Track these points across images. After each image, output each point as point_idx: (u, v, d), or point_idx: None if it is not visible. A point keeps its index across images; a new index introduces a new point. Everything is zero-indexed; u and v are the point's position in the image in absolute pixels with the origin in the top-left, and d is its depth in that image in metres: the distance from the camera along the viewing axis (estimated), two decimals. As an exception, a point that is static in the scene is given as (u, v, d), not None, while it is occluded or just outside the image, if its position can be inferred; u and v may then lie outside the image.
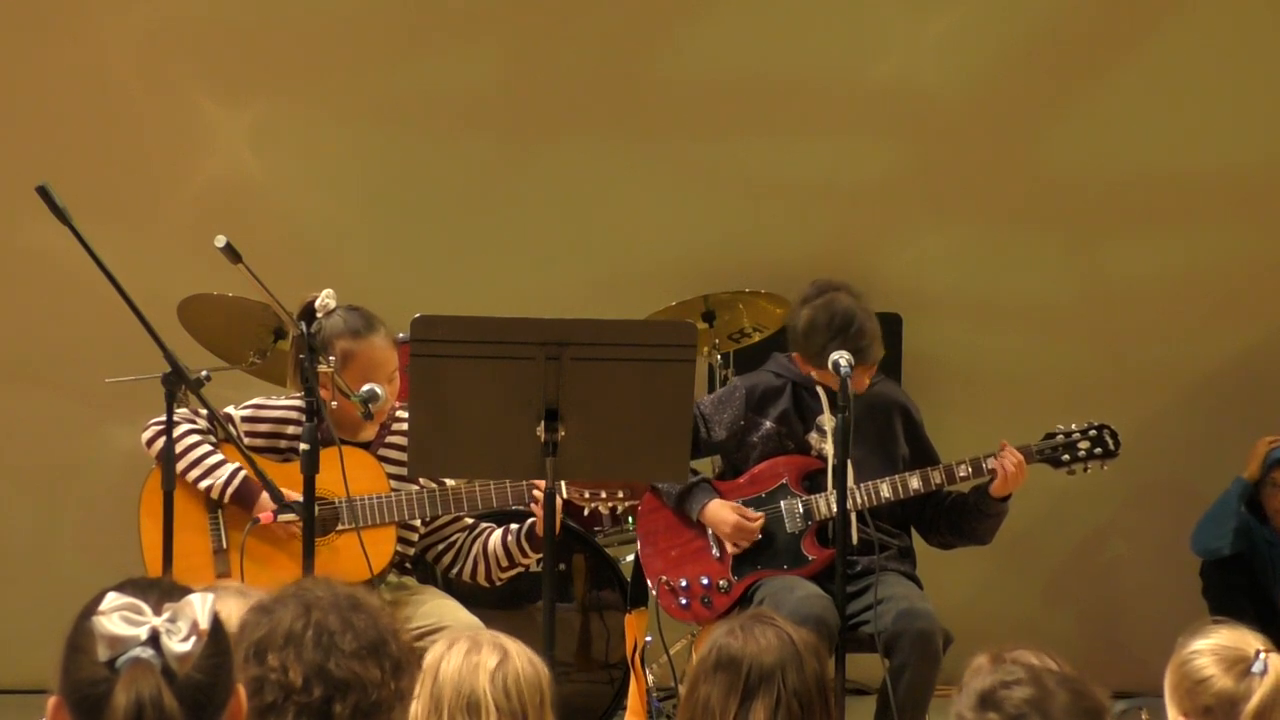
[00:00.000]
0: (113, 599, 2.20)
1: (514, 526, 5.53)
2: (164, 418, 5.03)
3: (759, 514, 5.85)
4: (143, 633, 2.18)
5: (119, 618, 2.18)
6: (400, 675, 2.67)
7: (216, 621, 2.24)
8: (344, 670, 2.62)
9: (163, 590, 2.24)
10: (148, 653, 2.17)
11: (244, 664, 2.65)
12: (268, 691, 2.62)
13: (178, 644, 2.18)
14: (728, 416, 5.90)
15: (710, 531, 5.87)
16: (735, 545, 5.84)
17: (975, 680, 2.78)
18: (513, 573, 5.59)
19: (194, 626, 2.19)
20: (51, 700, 2.23)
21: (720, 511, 5.84)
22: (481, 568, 5.56)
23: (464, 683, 3.39)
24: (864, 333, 5.71)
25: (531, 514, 5.42)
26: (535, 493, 5.35)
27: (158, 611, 2.20)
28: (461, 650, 3.43)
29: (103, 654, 2.17)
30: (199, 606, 2.21)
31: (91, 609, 2.21)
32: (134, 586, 2.24)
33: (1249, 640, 3.37)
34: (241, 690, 2.28)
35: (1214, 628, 3.41)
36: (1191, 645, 3.39)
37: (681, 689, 4.07)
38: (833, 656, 5.43)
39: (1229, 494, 7.44)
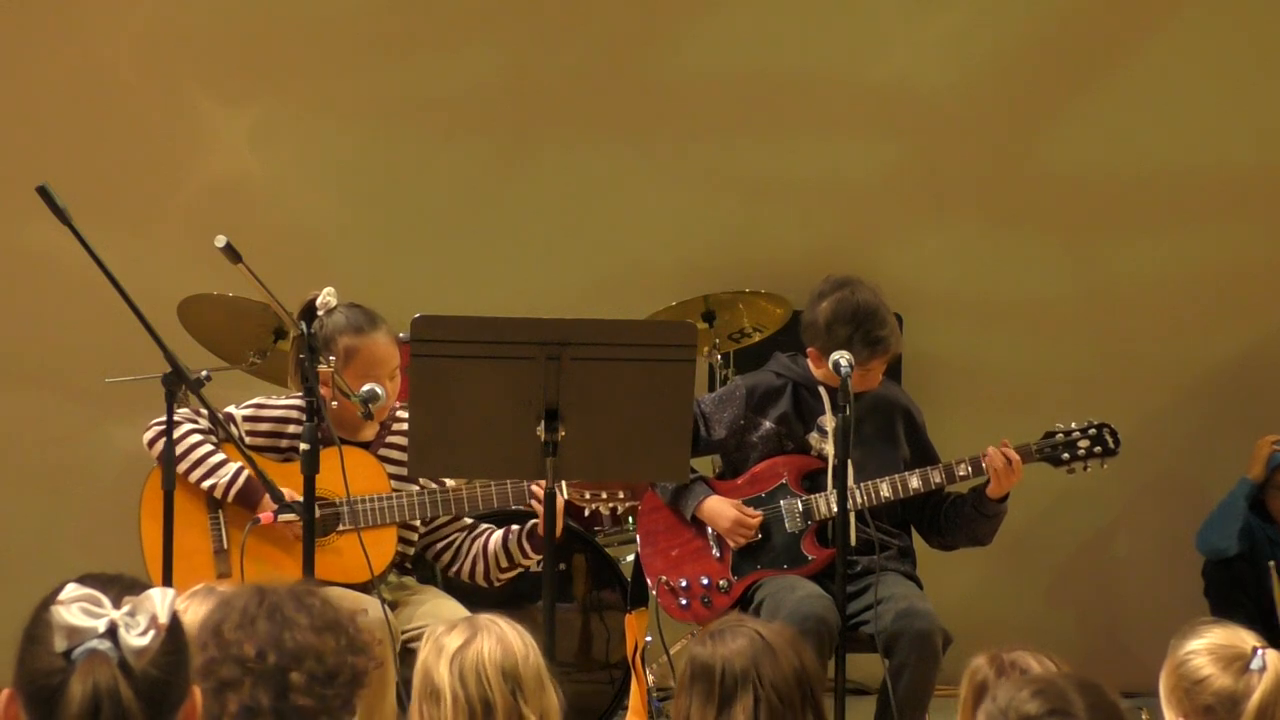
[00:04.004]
0: (72, 590, 2.18)
1: (515, 528, 5.52)
2: (165, 418, 5.03)
3: (757, 512, 5.85)
4: (101, 625, 2.17)
5: (78, 609, 2.17)
6: (358, 653, 2.66)
7: (175, 620, 2.23)
8: (297, 642, 2.62)
9: (124, 585, 2.23)
10: (104, 645, 2.16)
11: (202, 648, 2.65)
12: (225, 667, 2.62)
13: (135, 638, 2.17)
14: (728, 416, 5.90)
15: (710, 531, 5.87)
16: (734, 540, 5.84)
17: (1024, 704, 2.77)
18: (513, 573, 5.59)
19: (153, 621, 2.18)
20: (4, 693, 2.22)
21: (719, 506, 5.84)
22: (480, 567, 5.55)
23: (428, 670, 3.35)
24: (885, 323, 5.73)
25: (532, 514, 5.43)
26: (535, 489, 5.35)
27: (117, 605, 2.18)
28: (433, 635, 3.40)
29: (59, 644, 2.16)
30: (159, 601, 2.20)
31: (50, 600, 2.19)
32: (95, 580, 2.23)
33: (1243, 637, 3.36)
34: (197, 692, 2.26)
35: (1205, 627, 3.40)
36: (1186, 646, 3.38)
37: (670, 705, 4.08)
38: (833, 656, 5.43)
39: (1234, 494, 7.44)
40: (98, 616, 2.17)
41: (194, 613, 3.27)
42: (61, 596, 2.17)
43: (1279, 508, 7.46)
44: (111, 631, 2.17)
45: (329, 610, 2.69)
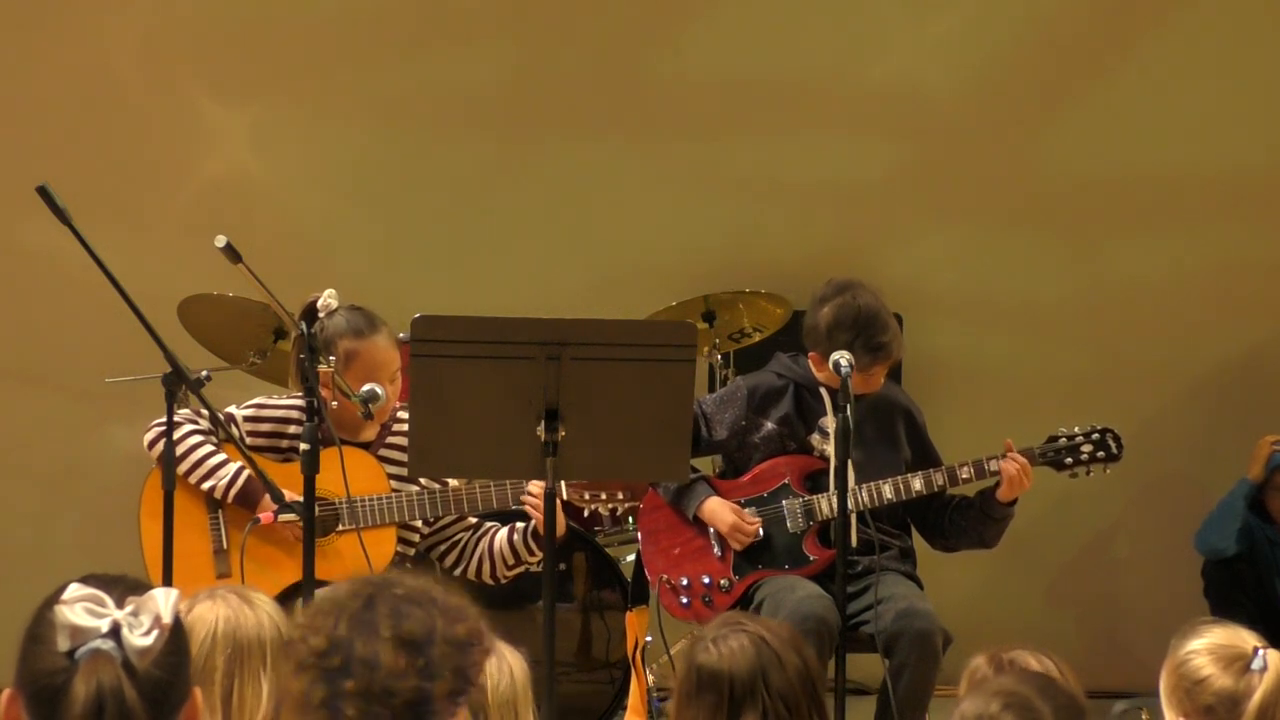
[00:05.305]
0: (75, 590, 2.18)
1: (519, 525, 5.53)
2: (165, 419, 5.02)
3: (756, 518, 5.85)
4: (104, 625, 2.16)
5: (81, 608, 2.16)
6: (432, 678, 2.63)
7: (178, 621, 2.22)
8: (366, 650, 2.61)
9: (127, 585, 2.22)
10: (108, 645, 2.16)
11: (299, 623, 2.65)
12: (299, 649, 2.62)
13: (139, 638, 2.16)
14: (729, 416, 5.90)
15: (712, 531, 5.87)
16: (733, 544, 5.85)
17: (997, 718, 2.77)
18: (518, 570, 5.59)
19: (156, 621, 2.18)
20: (5, 693, 2.21)
21: (718, 510, 5.84)
22: (487, 566, 5.56)
23: None
24: (887, 328, 5.72)
25: (535, 514, 5.44)
26: (525, 495, 5.36)
27: (120, 605, 2.18)
28: None
29: (63, 644, 2.16)
30: (162, 602, 2.19)
31: (53, 601, 2.19)
32: (98, 580, 2.22)
33: (1244, 638, 3.36)
34: (198, 693, 2.25)
35: (1207, 627, 3.40)
36: (1187, 646, 3.38)
37: (669, 706, 4.02)
38: (833, 656, 5.43)
39: (1234, 494, 7.44)
40: (101, 616, 2.16)
41: (199, 614, 3.27)
42: (65, 596, 2.17)
43: (1278, 508, 7.46)
44: (115, 631, 2.16)
45: (422, 626, 2.64)
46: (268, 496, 5.17)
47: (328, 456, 4.88)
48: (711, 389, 6.90)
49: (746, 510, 5.86)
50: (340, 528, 5.35)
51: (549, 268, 7.86)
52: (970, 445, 5.90)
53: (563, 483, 5.29)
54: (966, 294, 8.05)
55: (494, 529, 5.58)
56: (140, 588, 2.22)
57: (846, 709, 5.31)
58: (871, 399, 5.82)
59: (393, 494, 5.40)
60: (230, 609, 3.32)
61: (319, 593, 2.72)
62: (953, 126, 7.97)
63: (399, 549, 5.46)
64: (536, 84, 7.90)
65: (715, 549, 5.88)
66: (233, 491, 5.33)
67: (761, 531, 5.85)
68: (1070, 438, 5.95)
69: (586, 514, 5.91)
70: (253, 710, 3.26)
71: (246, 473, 5.31)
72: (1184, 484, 8.00)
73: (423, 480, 5.41)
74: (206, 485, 5.34)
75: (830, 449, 5.79)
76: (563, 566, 6.59)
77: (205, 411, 5.25)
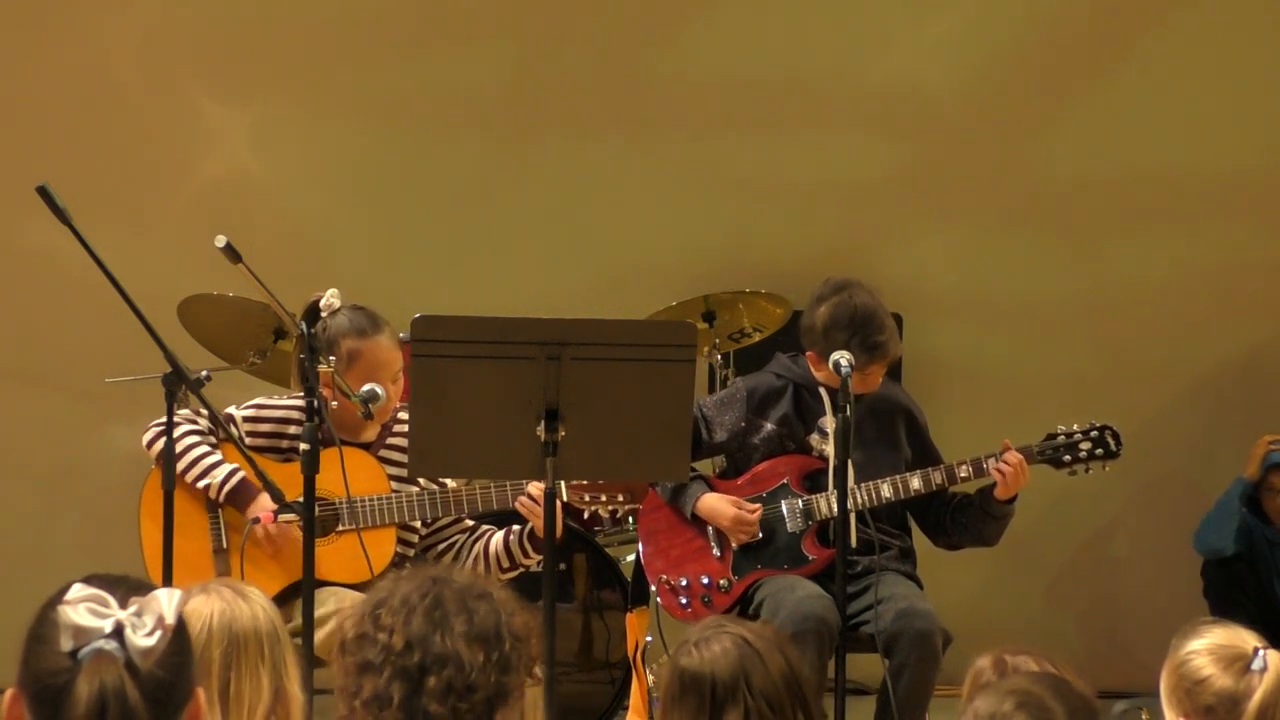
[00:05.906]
0: (79, 590, 2.18)
1: (515, 528, 5.53)
2: (164, 419, 5.02)
3: (756, 505, 5.84)
4: (107, 625, 2.16)
5: (84, 609, 2.16)
6: (506, 672, 2.64)
7: (181, 621, 2.22)
8: (446, 647, 2.60)
9: (130, 585, 2.22)
10: (111, 645, 2.15)
11: (359, 620, 2.65)
12: (369, 649, 2.61)
13: (142, 638, 2.16)
14: (729, 419, 5.90)
15: (711, 531, 5.87)
16: (736, 538, 5.83)
17: (1010, 717, 2.77)
18: (514, 574, 5.59)
19: (159, 621, 2.18)
20: (8, 694, 2.21)
21: (717, 504, 5.83)
22: (482, 568, 5.55)
23: None
24: (884, 328, 5.71)
25: (532, 514, 5.43)
26: (523, 497, 5.36)
27: (124, 605, 2.18)
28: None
29: (65, 644, 2.15)
30: (165, 602, 2.20)
31: (56, 601, 2.18)
32: (101, 580, 2.22)
33: (1245, 638, 3.36)
34: (201, 693, 2.26)
35: (1207, 627, 3.40)
36: (1187, 646, 3.38)
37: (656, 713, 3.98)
38: (833, 656, 5.43)
39: (1230, 494, 7.45)
40: (104, 617, 2.16)
41: (194, 608, 3.26)
42: (68, 597, 2.17)
43: (1274, 508, 7.47)
44: (118, 632, 2.16)
45: (490, 620, 2.65)
46: (263, 496, 5.18)
47: (328, 457, 4.88)
48: (711, 389, 6.90)
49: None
50: (340, 528, 5.35)
51: (549, 268, 7.86)
52: (970, 445, 5.90)
53: (563, 484, 5.29)
54: (966, 294, 8.05)
55: (490, 532, 5.58)
56: (143, 588, 2.22)
57: (846, 709, 5.31)
58: (871, 399, 5.82)
59: (393, 494, 5.40)
60: (225, 602, 3.32)
61: (375, 588, 2.71)
62: (953, 126, 7.98)
63: (399, 549, 5.46)
64: (536, 84, 7.90)
65: (714, 549, 5.88)
66: (225, 490, 5.33)
67: (761, 532, 5.85)
68: (1069, 435, 5.94)
69: (586, 515, 5.91)
70: (252, 703, 3.26)
71: (240, 473, 5.31)
72: (1183, 484, 8.00)
73: (422, 481, 5.41)
74: (201, 484, 5.33)
75: (829, 449, 5.79)
76: (563, 567, 6.60)
77: (205, 411, 5.25)
